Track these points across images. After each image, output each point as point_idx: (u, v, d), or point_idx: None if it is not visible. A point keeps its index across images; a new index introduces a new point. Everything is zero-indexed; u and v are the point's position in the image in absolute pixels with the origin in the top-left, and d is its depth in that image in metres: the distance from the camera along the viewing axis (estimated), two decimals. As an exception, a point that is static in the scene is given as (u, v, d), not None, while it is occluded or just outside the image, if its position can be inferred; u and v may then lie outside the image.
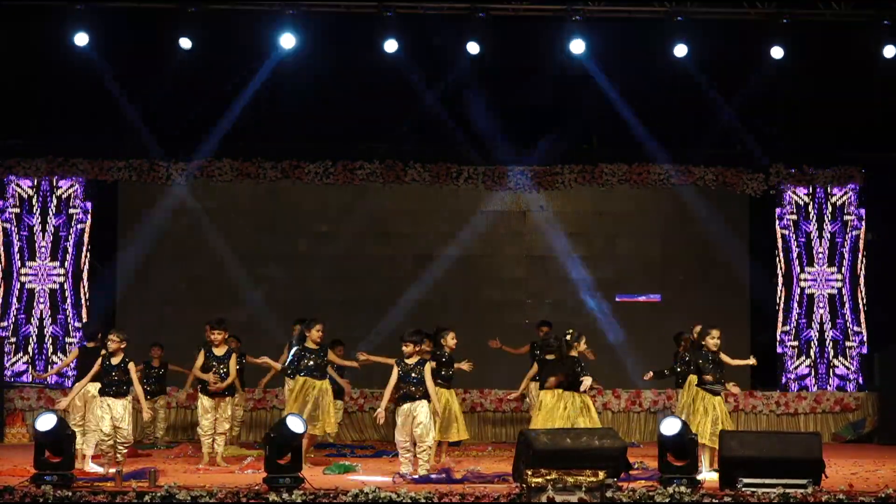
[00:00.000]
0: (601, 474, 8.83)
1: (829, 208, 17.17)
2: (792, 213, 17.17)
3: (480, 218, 17.15)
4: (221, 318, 12.10)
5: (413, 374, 10.77)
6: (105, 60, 15.21)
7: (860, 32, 14.62)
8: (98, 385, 11.10)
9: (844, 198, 17.19)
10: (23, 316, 16.52)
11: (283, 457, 9.34)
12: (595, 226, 17.31)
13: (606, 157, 17.11)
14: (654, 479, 9.83)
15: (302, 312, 13.57)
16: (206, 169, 16.88)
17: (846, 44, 14.86)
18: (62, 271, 16.64)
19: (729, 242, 17.16)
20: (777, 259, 17.16)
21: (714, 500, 8.79)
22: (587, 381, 11.58)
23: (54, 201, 16.73)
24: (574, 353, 11.95)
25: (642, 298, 17.16)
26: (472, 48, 14.67)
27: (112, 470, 10.53)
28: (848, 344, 16.99)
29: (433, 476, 10.44)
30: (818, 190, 17.17)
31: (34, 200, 16.71)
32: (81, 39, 14.47)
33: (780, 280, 17.11)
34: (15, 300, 16.55)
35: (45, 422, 9.48)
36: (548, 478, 8.74)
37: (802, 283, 17.10)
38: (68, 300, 16.61)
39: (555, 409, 12.09)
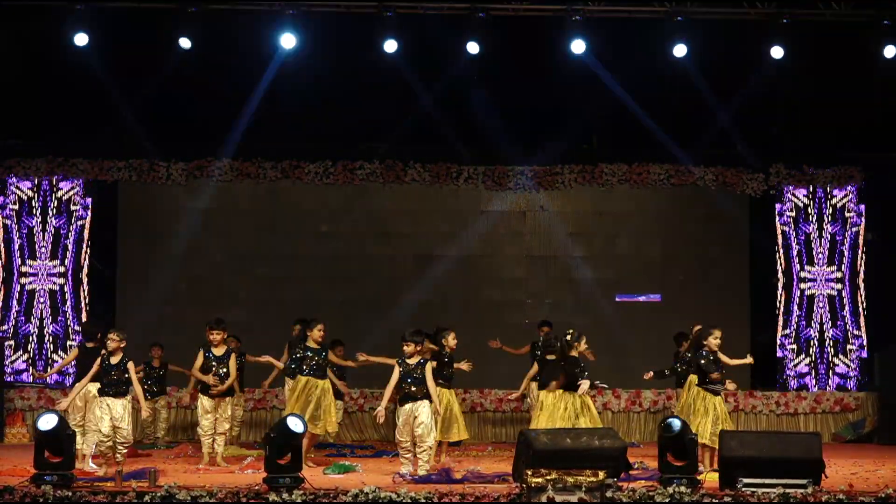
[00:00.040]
0: (601, 474, 8.83)
1: (829, 208, 17.17)
2: (792, 212, 17.17)
3: (480, 218, 17.16)
4: (220, 318, 12.10)
5: (414, 375, 10.77)
6: (105, 60, 15.20)
7: (860, 32, 14.62)
8: (98, 385, 11.10)
9: (844, 198, 17.19)
10: (23, 318, 16.52)
11: (283, 457, 9.34)
12: (595, 226, 17.31)
13: (606, 157, 17.12)
14: (654, 479, 9.83)
15: (302, 312, 13.59)
16: (206, 169, 16.89)
17: (846, 44, 14.85)
18: (62, 268, 16.64)
19: (729, 242, 17.19)
20: (777, 259, 17.17)
21: (714, 500, 8.79)
22: (584, 385, 11.59)
23: (54, 202, 16.74)
24: (575, 354, 11.95)
25: (642, 298, 17.16)
26: (472, 48, 14.67)
27: (110, 470, 10.52)
28: (848, 345, 16.99)
29: (433, 476, 10.44)
30: (818, 190, 17.17)
31: (34, 201, 16.72)
32: (81, 39, 14.46)
33: (780, 280, 17.12)
34: (15, 300, 16.56)
35: (47, 421, 9.48)
36: (548, 478, 8.74)
37: (802, 284, 17.11)
38: (68, 300, 16.62)
39: (555, 410, 12.09)
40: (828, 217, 17.14)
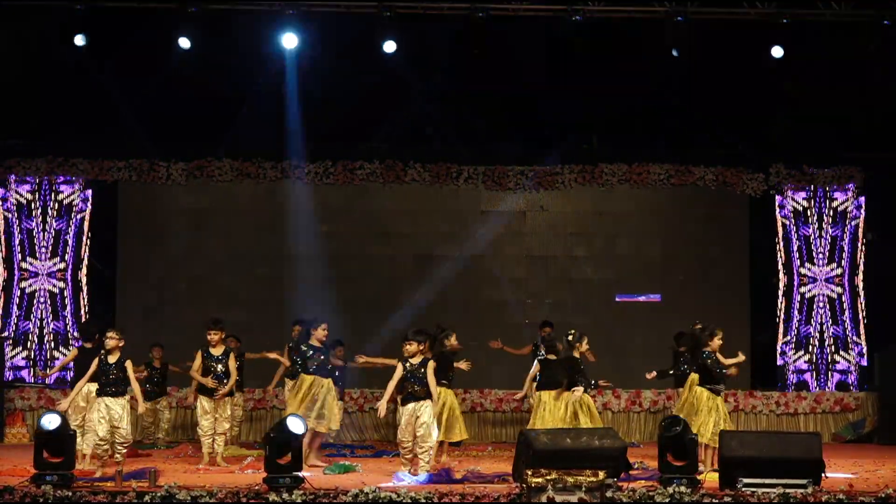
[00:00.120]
0: (601, 474, 8.83)
1: (829, 208, 17.17)
2: (792, 212, 17.17)
3: (480, 218, 17.16)
4: (217, 317, 12.10)
5: (417, 374, 10.76)
6: (105, 60, 15.22)
7: (860, 32, 14.62)
8: (97, 385, 11.08)
9: (844, 198, 17.19)
10: (24, 320, 16.53)
11: (283, 457, 9.34)
12: (595, 226, 17.31)
13: (606, 157, 17.12)
14: (654, 479, 9.84)
15: (302, 312, 13.58)
16: (206, 169, 16.90)
17: (846, 44, 14.85)
18: (62, 265, 16.65)
19: (729, 242, 17.19)
20: (777, 259, 17.17)
21: (714, 500, 8.79)
22: (578, 392, 11.61)
23: (54, 202, 16.73)
24: (576, 354, 11.96)
25: (642, 298, 17.16)
26: (472, 48, 14.67)
27: (110, 470, 10.51)
28: (848, 343, 16.99)
29: (433, 476, 10.44)
30: (818, 190, 17.17)
31: (34, 202, 16.71)
32: (81, 40, 14.47)
33: (780, 280, 17.12)
34: (15, 300, 16.55)
35: (50, 421, 9.48)
36: (548, 478, 8.74)
37: (802, 284, 17.11)
38: (68, 300, 16.62)
39: (555, 409, 12.11)
40: (827, 217, 17.13)
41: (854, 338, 17.00)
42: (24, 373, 16.43)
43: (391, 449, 13.46)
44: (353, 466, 11.54)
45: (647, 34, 14.72)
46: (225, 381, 11.79)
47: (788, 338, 17.03)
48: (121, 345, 10.88)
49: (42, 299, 16.63)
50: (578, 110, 16.16)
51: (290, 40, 14.48)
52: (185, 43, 14.51)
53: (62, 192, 16.75)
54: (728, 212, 17.20)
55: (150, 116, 16.15)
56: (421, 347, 10.89)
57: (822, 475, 9.33)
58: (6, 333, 16.35)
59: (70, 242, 16.72)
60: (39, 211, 16.71)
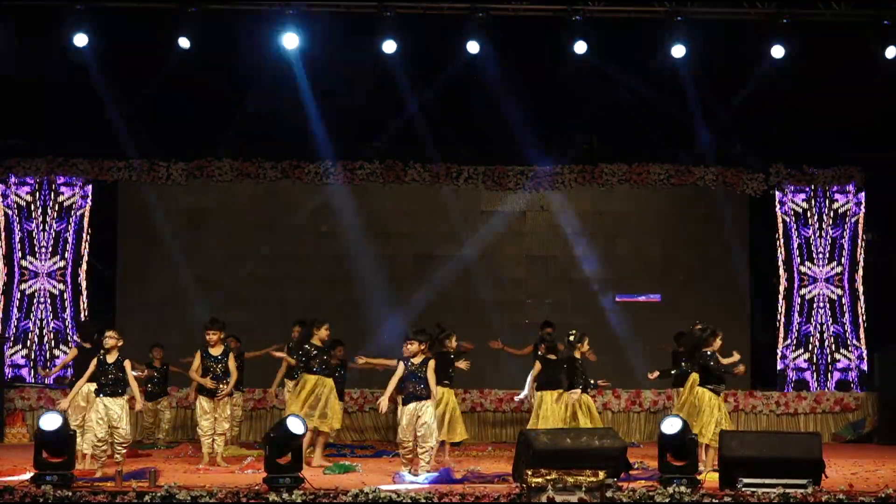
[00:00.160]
0: (601, 474, 8.83)
1: (829, 208, 17.17)
2: (792, 212, 17.17)
3: (480, 218, 17.16)
4: (215, 317, 12.11)
5: (419, 374, 10.77)
6: (105, 60, 15.22)
7: (860, 32, 14.62)
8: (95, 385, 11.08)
9: (844, 198, 17.19)
10: (25, 320, 16.53)
11: (283, 457, 9.34)
12: (595, 226, 17.30)
13: (606, 157, 17.12)
14: (654, 479, 9.84)
15: (302, 312, 13.58)
16: (206, 169, 16.90)
17: (846, 44, 14.86)
18: (62, 262, 16.65)
19: (729, 242, 17.18)
20: (777, 259, 17.17)
21: (714, 500, 8.79)
22: (575, 395, 11.61)
23: (54, 202, 16.73)
24: (577, 355, 11.96)
25: (642, 298, 17.16)
26: (472, 48, 14.68)
27: (110, 470, 10.51)
28: (847, 344, 16.99)
29: (434, 476, 10.44)
30: (818, 190, 17.17)
31: (34, 202, 16.71)
32: (81, 40, 14.47)
33: (780, 280, 17.12)
34: (15, 300, 16.55)
35: (51, 421, 9.48)
36: (548, 478, 8.75)
37: (802, 284, 17.10)
38: (67, 300, 16.61)
39: (555, 410, 12.12)
40: (827, 217, 17.13)
41: (854, 341, 17.00)
42: (24, 371, 16.42)
43: (391, 449, 13.47)
44: (353, 466, 11.55)
45: (647, 34, 14.73)
46: (226, 381, 11.78)
47: (789, 341, 17.02)
48: (119, 344, 10.87)
49: (42, 299, 16.63)
50: (578, 110, 16.15)
51: (290, 40, 14.49)
52: (184, 43, 14.51)
53: (63, 193, 16.74)
54: (728, 212, 17.19)
55: (150, 116, 16.16)
56: (422, 347, 10.90)
57: (823, 475, 9.33)
58: (7, 334, 16.34)
59: (70, 239, 16.71)
60: (40, 212, 16.70)
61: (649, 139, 16.74)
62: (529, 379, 13.07)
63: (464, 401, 15.45)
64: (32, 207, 16.72)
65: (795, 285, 17.12)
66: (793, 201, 17.18)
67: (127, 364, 10.81)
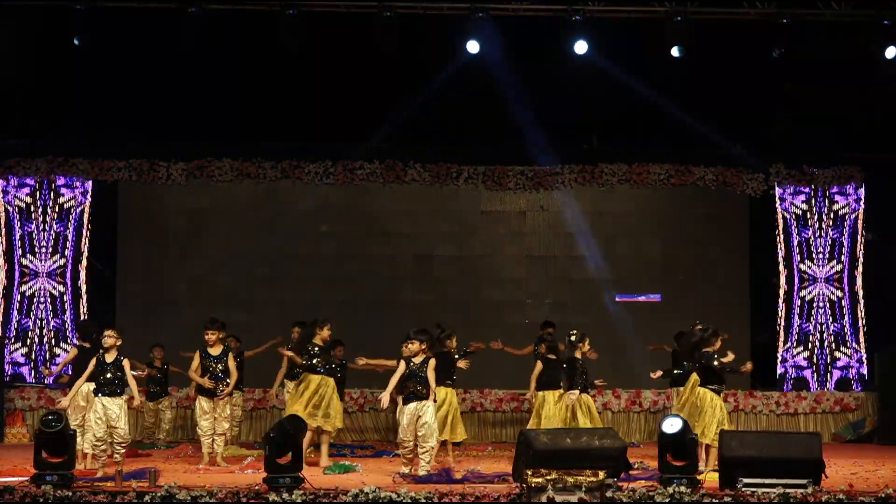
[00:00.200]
0: (601, 474, 8.83)
1: (829, 209, 17.17)
2: (791, 212, 17.17)
3: (480, 218, 17.16)
4: (214, 317, 12.11)
5: (420, 374, 10.77)
6: (105, 60, 15.21)
7: (860, 32, 14.62)
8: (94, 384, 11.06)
9: (844, 198, 17.19)
10: (25, 319, 16.54)
11: (283, 457, 9.34)
12: (595, 226, 17.30)
13: (606, 157, 17.12)
14: (654, 479, 9.83)
15: (302, 312, 13.59)
16: (206, 169, 16.90)
17: (846, 44, 14.86)
18: (62, 261, 16.65)
19: (729, 242, 17.19)
20: (777, 259, 17.17)
21: (714, 500, 8.79)
22: (574, 396, 11.60)
23: (54, 203, 16.72)
24: (578, 354, 11.95)
25: (642, 298, 17.16)
26: (472, 48, 14.68)
27: (110, 470, 10.51)
28: (847, 343, 17.00)
29: (433, 476, 10.44)
30: (818, 190, 17.17)
31: (34, 202, 16.71)
32: (81, 40, 14.46)
33: (780, 280, 17.12)
34: (16, 300, 16.56)
35: (52, 421, 9.47)
36: (548, 478, 8.74)
37: (802, 283, 17.11)
38: (67, 300, 16.62)
39: (555, 409, 12.12)
40: (827, 217, 17.13)
41: (854, 344, 17.00)
42: (24, 370, 16.42)
43: (391, 449, 13.47)
44: (353, 466, 11.55)
45: (647, 34, 14.73)
46: (226, 381, 11.78)
47: (789, 344, 17.02)
48: (118, 344, 10.85)
49: (42, 299, 16.63)
50: (578, 110, 16.15)
51: (293, 42, 14.44)
52: (184, 43, 14.49)
53: (63, 195, 16.74)
54: (728, 212, 17.21)
55: (149, 116, 16.15)
56: (423, 346, 10.91)
57: (823, 475, 9.33)
58: (7, 334, 16.34)
59: (70, 238, 16.71)
60: (40, 212, 16.70)
61: (649, 139, 16.74)
62: (533, 380, 13.04)
63: (464, 401, 15.45)
64: (32, 209, 16.71)
65: (795, 285, 17.12)
66: (793, 203, 17.17)
67: (126, 363, 10.80)
